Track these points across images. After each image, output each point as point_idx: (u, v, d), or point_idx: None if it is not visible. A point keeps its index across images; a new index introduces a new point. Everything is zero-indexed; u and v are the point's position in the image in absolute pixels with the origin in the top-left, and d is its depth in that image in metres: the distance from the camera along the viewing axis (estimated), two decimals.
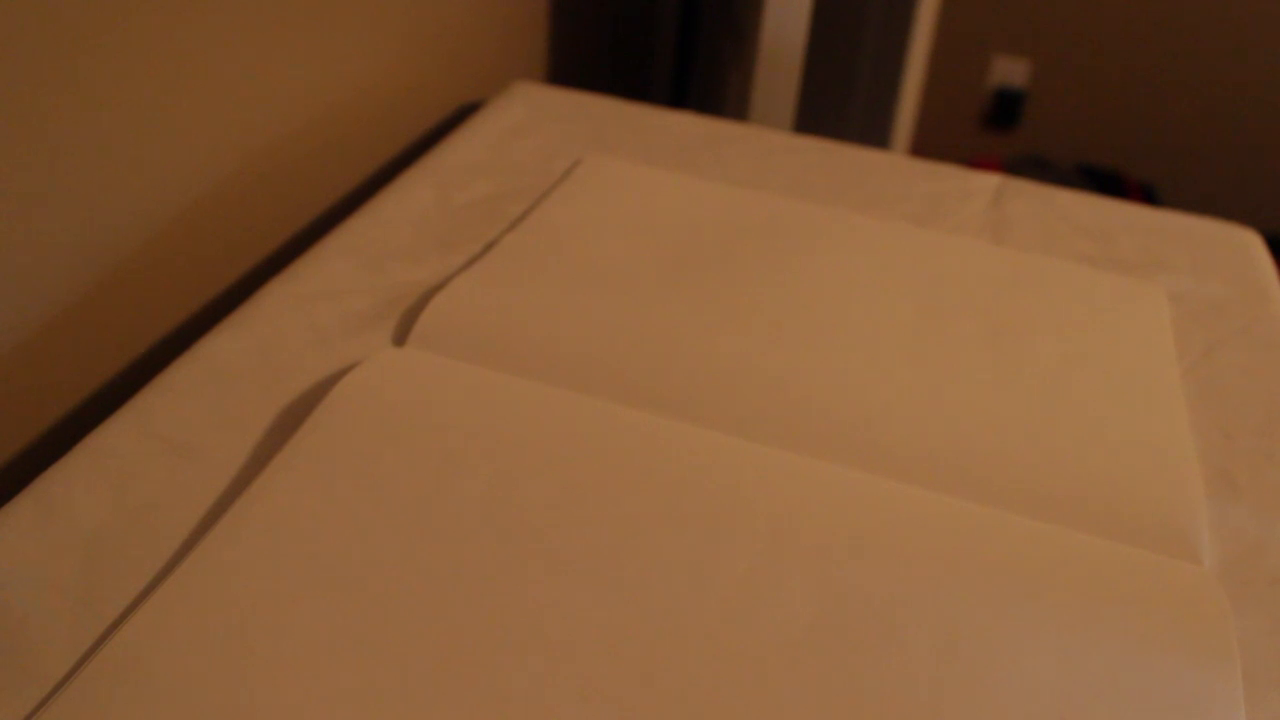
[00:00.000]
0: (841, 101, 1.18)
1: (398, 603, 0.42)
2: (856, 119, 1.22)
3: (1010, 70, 2.19)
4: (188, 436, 0.50)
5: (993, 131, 2.28)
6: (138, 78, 0.56)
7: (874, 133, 1.29)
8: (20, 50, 0.49)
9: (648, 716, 0.39)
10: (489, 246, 0.66)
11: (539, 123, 0.81)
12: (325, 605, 0.41)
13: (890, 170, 0.79)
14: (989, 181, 0.79)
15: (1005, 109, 2.23)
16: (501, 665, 0.40)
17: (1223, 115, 2.11)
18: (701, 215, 0.69)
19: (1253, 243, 0.75)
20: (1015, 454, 0.53)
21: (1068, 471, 0.52)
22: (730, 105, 1.07)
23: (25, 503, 0.46)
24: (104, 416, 0.51)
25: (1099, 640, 0.43)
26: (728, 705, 0.39)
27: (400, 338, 0.58)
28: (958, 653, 0.42)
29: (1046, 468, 0.52)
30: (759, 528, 0.46)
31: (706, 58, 1.08)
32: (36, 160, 0.51)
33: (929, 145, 2.24)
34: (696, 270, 0.63)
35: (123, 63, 0.55)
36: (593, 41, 1.16)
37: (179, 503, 0.47)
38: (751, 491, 0.48)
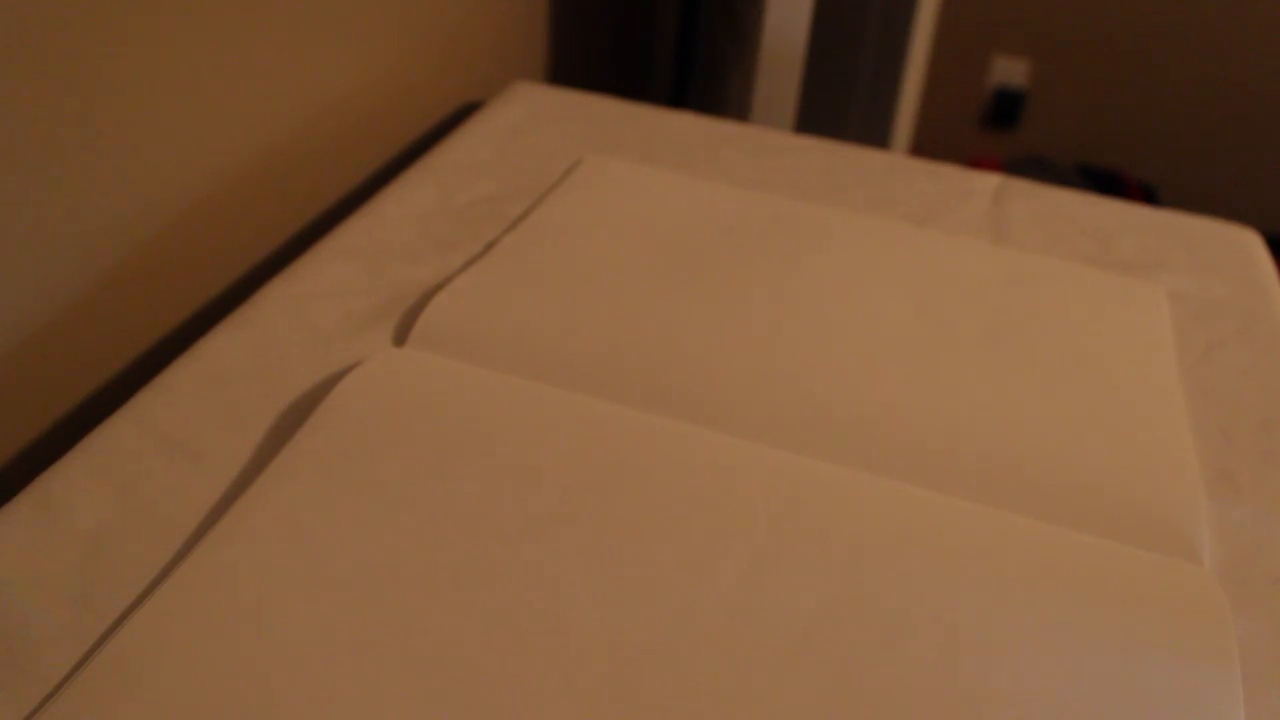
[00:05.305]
0: (841, 101, 1.18)
1: (398, 603, 0.42)
2: (856, 119, 1.22)
3: (1010, 70, 2.19)
4: (188, 436, 0.50)
5: (993, 131, 2.28)
6: (137, 77, 0.56)
7: (874, 133, 1.29)
8: (20, 50, 0.49)
9: (649, 713, 0.39)
10: (489, 246, 0.66)
11: (539, 123, 0.81)
12: (326, 605, 0.41)
13: (890, 170, 0.79)
14: (989, 181, 0.79)
15: (1005, 109, 2.23)
16: (502, 665, 0.40)
17: (1223, 115, 2.11)
18: (702, 215, 0.69)
19: (1253, 243, 0.75)
20: (1015, 453, 0.53)
21: (1068, 471, 0.52)
22: (731, 105, 1.07)
23: (25, 503, 0.46)
24: (104, 416, 0.51)
25: (1099, 640, 0.43)
26: (729, 704, 0.39)
27: (400, 338, 0.58)
28: (957, 653, 0.42)
29: (1046, 467, 0.52)
30: (759, 527, 0.46)
31: (707, 58, 1.08)
32: (36, 160, 0.51)
33: (929, 145, 2.24)
34: (697, 270, 0.63)
35: (122, 62, 0.55)
36: (593, 41, 1.16)
37: (179, 503, 0.47)
38: (752, 491, 0.48)
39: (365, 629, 0.41)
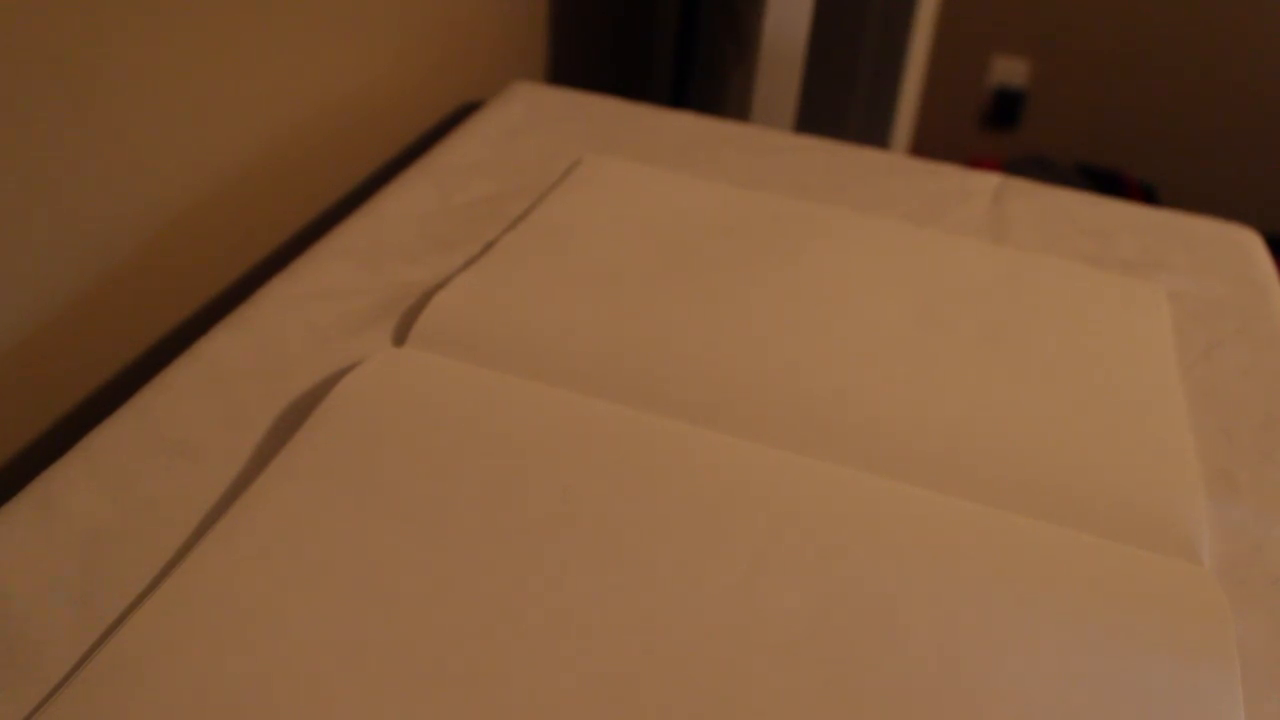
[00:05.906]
0: (841, 101, 1.18)
1: (397, 602, 0.42)
2: (856, 119, 1.22)
3: (1010, 70, 2.19)
4: (188, 436, 0.50)
5: (993, 131, 2.28)
6: (137, 78, 0.56)
7: (874, 133, 1.29)
8: (20, 51, 0.49)
9: (649, 713, 0.39)
10: (489, 246, 0.66)
11: (539, 123, 0.81)
12: (325, 605, 0.41)
13: (890, 170, 0.79)
14: (989, 181, 0.79)
15: (1005, 109, 2.23)
16: (502, 664, 0.40)
17: (1223, 115, 2.11)
18: (701, 215, 0.69)
19: (1253, 242, 0.75)
20: (1015, 453, 0.53)
21: (1068, 471, 0.52)
22: (731, 105, 1.07)
23: (25, 503, 0.46)
24: (104, 416, 0.51)
25: (1098, 640, 0.43)
26: (729, 703, 0.39)
27: (400, 338, 0.58)
28: (957, 653, 0.42)
29: (1046, 467, 0.52)
30: (759, 527, 0.46)
31: (707, 58, 1.08)
32: (36, 160, 0.51)
33: (929, 145, 2.24)
34: (696, 270, 0.63)
35: (122, 62, 0.55)
36: (593, 41, 1.16)
37: (179, 503, 0.47)
38: (751, 491, 0.48)
39: (365, 629, 0.41)
